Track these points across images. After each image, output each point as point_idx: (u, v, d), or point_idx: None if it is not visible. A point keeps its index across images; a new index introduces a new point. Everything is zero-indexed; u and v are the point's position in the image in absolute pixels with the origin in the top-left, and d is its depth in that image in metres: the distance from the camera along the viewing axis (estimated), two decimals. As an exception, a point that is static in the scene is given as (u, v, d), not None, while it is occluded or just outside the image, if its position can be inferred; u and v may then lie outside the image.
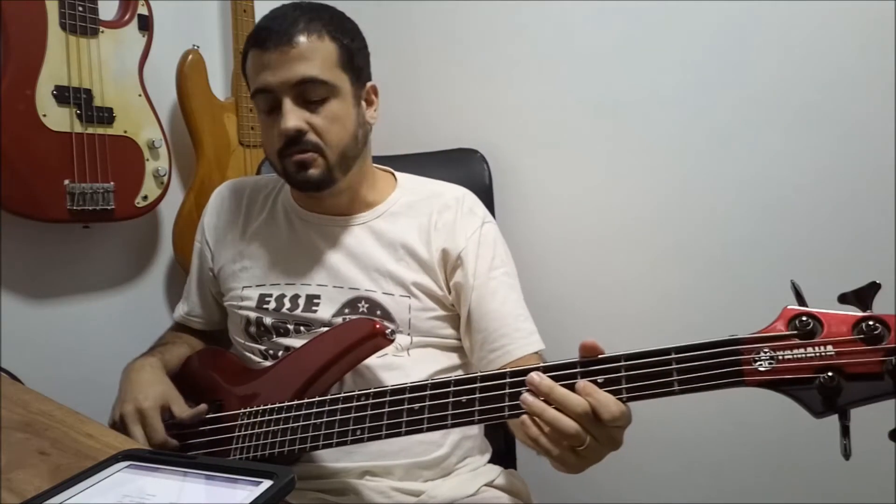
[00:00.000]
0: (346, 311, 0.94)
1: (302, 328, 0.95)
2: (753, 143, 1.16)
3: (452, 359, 0.99)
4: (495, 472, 0.98)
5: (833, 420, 0.57)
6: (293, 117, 0.87)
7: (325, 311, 0.94)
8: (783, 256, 1.15)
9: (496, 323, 0.93)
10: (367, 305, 0.94)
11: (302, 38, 0.87)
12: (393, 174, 1.06)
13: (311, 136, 0.89)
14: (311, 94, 0.88)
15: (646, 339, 0.66)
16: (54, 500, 0.52)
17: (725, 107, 1.18)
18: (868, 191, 1.07)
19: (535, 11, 1.37)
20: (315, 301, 0.95)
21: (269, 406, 0.84)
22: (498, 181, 1.35)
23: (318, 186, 0.92)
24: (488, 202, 1.30)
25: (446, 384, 0.71)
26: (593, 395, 0.61)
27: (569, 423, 0.61)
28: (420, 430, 0.72)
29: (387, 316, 0.93)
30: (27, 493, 0.56)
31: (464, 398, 0.69)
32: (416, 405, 0.72)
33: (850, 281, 0.59)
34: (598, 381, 0.62)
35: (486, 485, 0.95)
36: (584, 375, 0.63)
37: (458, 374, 0.91)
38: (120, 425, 0.87)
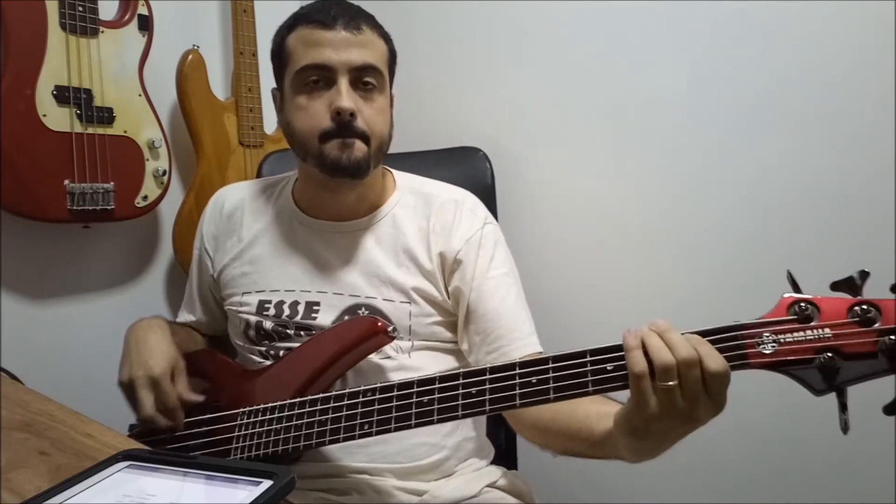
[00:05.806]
0: (346, 317, 0.93)
1: (302, 332, 0.95)
2: (756, 138, 1.16)
3: (452, 362, 0.98)
4: (498, 473, 0.98)
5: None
6: (350, 98, 0.87)
7: (324, 318, 0.94)
8: (785, 254, 1.14)
9: (493, 324, 0.92)
10: (367, 312, 0.93)
11: (367, 28, 0.90)
12: (391, 173, 1.05)
13: (360, 123, 0.89)
14: (367, 80, 0.89)
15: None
16: (54, 500, 0.52)
17: (728, 106, 1.18)
18: (870, 191, 1.07)
19: (540, 10, 1.36)
20: (315, 308, 0.95)
21: (270, 405, 0.84)
22: (501, 180, 1.35)
23: (356, 172, 0.90)
24: (491, 201, 1.30)
25: (455, 377, 0.72)
26: (702, 347, 0.61)
27: (667, 356, 0.60)
28: (430, 423, 0.72)
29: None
30: (27, 493, 0.56)
31: (474, 389, 0.70)
32: (426, 398, 0.72)
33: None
34: (608, 367, 0.64)
35: (488, 485, 0.95)
36: (592, 364, 0.66)
37: None
38: (127, 389, 0.88)
